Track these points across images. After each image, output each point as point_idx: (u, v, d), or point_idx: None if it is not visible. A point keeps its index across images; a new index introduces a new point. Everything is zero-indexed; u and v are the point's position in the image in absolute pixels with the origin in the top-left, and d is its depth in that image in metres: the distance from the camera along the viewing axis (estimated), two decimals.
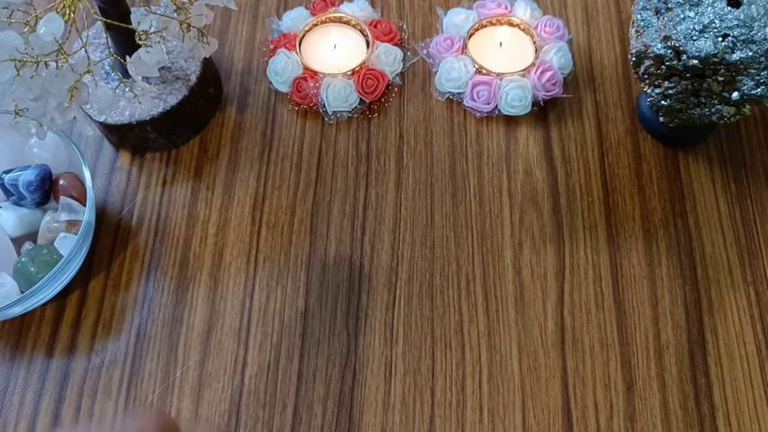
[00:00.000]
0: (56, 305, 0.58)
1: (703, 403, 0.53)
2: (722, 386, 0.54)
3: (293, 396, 0.54)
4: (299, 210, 0.62)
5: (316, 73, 0.66)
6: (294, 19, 0.69)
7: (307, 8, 0.71)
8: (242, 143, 0.65)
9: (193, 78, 0.63)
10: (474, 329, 0.56)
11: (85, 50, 0.49)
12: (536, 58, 0.66)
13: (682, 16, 0.53)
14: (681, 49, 0.53)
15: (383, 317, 0.57)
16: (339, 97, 0.64)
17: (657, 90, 0.57)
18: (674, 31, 0.53)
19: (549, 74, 0.64)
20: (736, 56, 0.51)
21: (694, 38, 0.52)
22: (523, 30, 0.68)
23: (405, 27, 0.71)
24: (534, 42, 0.67)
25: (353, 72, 0.66)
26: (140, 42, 0.51)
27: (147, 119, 0.61)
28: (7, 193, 0.58)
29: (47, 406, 0.54)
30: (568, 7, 0.71)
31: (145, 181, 0.64)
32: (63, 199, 0.58)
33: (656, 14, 0.56)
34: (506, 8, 0.69)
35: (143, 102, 0.55)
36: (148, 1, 0.72)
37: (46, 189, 0.58)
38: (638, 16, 0.56)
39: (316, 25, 0.69)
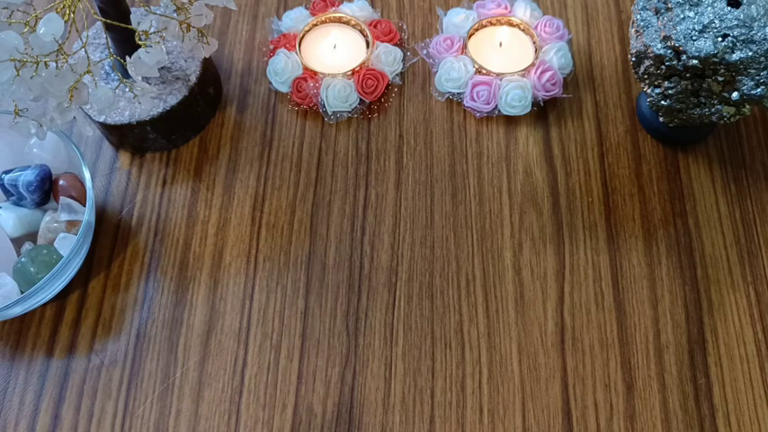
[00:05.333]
0: (56, 305, 0.58)
1: (703, 403, 0.53)
2: (722, 386, 0.54)
3: (293, 396, 0.54)
4: (299, 210, 0.62)
5: (315, 73, 0.66)
6: (294, 19, 0.69)
7: (307, 8, 0.71)
8: (242, 143, 0.65)
9: (193, 78, 0.63)
10: (474, 329, 0.56)
11: (85, 50, 0.49)
12: (536, 58, 0.66)
13: (681, 16, 0.53)
14: (681, 49, 0.53)
15: (383, 317, 0.57)
16: (339, 97, 0.64)
17: (657, 90, 0.57)
18: (674, 31, 0.53)
19: (548, 74, 0.64)
20: (735, 56, 0.51)
21: (694, 38, 0.52)
22: (523, 30, 0.68)
23: (405, 27, 0.71)
24: (534, 42, 0.67)
25: (353, 72, 0.66)
26: (140, 42, 0.51)
27: (147, 119, 0.61)
28: (7, 193, 0.58)
29: (47, 406, 0.54)
30: (568, 7, 0.71)
31: (145, 181, 0.64)
32: (63, 199, 0.58)
33: (656, 14, 0.56)
34: (506, 8, 0.69)
35: (143, 102, 0.55)
36: (148, 1, 0.72)
37: (46, 189, 0.58)
38: (638, 16, 0.56)
39: (315, 25, 0.69)
